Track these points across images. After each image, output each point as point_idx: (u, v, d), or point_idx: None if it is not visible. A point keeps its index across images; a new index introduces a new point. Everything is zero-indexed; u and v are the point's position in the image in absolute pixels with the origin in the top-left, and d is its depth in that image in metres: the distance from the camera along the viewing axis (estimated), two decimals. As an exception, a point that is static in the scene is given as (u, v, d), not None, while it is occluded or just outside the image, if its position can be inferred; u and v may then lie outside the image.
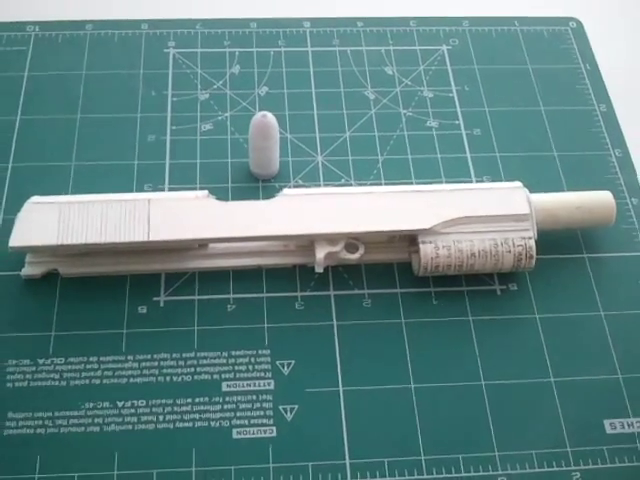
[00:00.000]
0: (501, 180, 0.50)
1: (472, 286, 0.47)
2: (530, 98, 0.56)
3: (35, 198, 0.45)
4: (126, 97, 0.53)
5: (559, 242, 0.48)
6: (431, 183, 0.49)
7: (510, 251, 0.45)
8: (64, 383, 0.42)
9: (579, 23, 0.60)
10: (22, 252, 0.45)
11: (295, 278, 0.46)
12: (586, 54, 0.58)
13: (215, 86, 0.54)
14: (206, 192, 0.46)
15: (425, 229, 0.44)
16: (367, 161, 0.51)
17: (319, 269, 0.45)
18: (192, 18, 0.58)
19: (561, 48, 0.59)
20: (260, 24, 0.58)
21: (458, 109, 0.54)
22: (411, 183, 0.50)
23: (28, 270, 0.45)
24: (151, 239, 0.43)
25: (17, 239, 0.43)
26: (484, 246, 0.44)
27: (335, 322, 0.45)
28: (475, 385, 0.43)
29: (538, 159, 0.52)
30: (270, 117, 0.46)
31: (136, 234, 0.43)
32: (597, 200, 0.48)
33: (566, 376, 0.44)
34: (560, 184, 0.51)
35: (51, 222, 0.44)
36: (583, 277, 0.48)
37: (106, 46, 0.56)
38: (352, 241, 0.45)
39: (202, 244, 0.46)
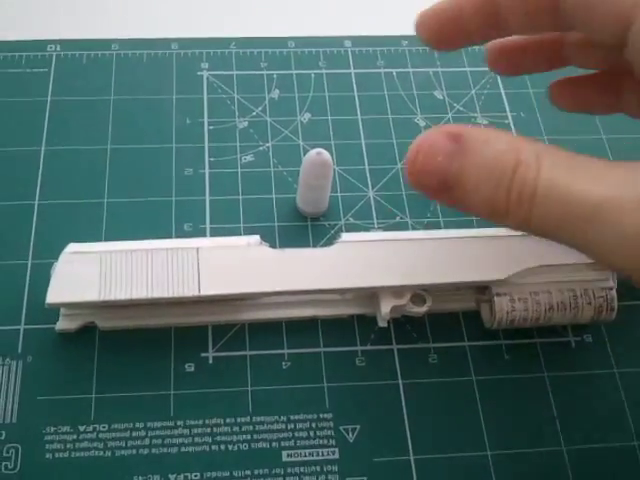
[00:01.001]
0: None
1: (544, 338, 0.44)
2: (590, 125, 0.52)
3: (72, 246, 0.41)
4: (159, 125, 0.50)
5: (633, 288, 0.44)
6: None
7: (590, 303, 0.42)
8: (109, 453, 0.39)
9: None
10: (59, 307, 0.41)
11: (354, 330, 0.43)
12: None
13: (254, 113, 0.51)
14: (258, 237, 0.42)
15: (500, 280, 0.41)
16: (422, 197, 0.47)
17: (383, 323, 0.41)
18: (225, 37, 0.54)
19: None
20: (298, 43, 0.54)
21: (515, 137, 0.51)
22: (471, 222, 0.47)
23: (63, 324, 0.42)
24: (202, 294, 0.40)
25: (55, 295, 0.40)
26: (562, 298, 0.41)
27: (400, 380, 0.42)
28: (557, 451, 0.40)
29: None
30: (326, 155, 0.43)
31: (186, 288, 0.40)
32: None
33: (652, 438, 0.41)
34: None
35: (91, 275, 0.40)
36: (661, 325, 0.44)
37: (134, 68, 0.52)
38: (419, 292, 0.42)
39: (253, 296, 0.42)
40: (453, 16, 0.35)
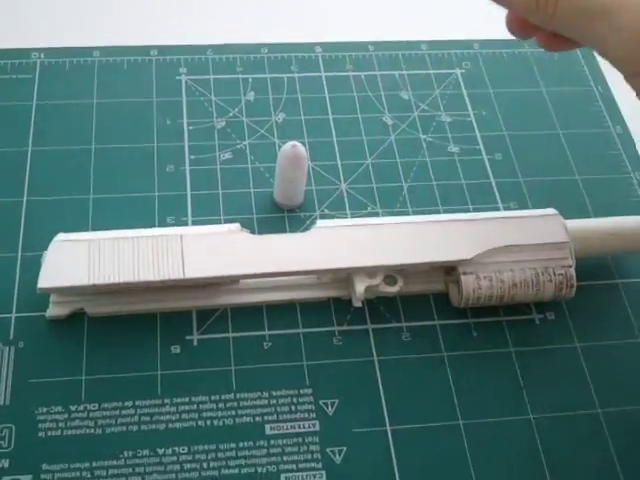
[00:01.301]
0: (527, 206, 0.50)
1: (510, 316, 0.46)
2: (547, 121, 0.55)
3: (61, 235, 0.43)
4: (141, 126, 0.52)
5: (590, 269, 0.47)
6: (459, 211, 0.48)
7: (551, 280, 0.44)
8: (100, 431, 0.41)
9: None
10: (50, 293, 0.43)
11: (330, 312, 0.45)
12: (597, 76, 0.58)
13: (231, 114, 0.53)
14: (238, 225, 0.44)
15: (466, 259, 0.43)
16: (392, 188, 0.50)
17: (357, 303, 0.43)
18: (202, 44, 0.56)
19: (573, 70, 0.58)
20: (271, 49, 0.57)
21: (477, 134, 0.54)
22: (438, 210, 0.49)
23: (53, 311, 0.43)
24: (187, 276, 0.42)
25: (46, 280, 0.42)
26: (525, 276, 0.44)
27: (376, 357, 0.44)
28: (524, 420, 0.43)
29: (561, 183, 0.52)
30: (300, 147, 0.45)
31: (171, 272, 0.42)
32: (630, 226, 0.47)
33: (614, 406, 0.43)
34: (586, 208, 0.50)
35: (81, 261, 0.42)
36: (617, 303, 0.47)
37: (116, 73, 0.54)
38: (391, 273, 0.44)
39: (234, 279, 0.44)
40: None
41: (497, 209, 0.50)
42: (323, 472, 0.40)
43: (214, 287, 0.45)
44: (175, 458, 0.40)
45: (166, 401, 0.42)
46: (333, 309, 0.45)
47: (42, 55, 0.55)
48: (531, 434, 0.42)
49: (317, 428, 0.42)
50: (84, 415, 0.41)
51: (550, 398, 0.44)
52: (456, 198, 0.50)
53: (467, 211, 0.48)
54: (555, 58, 0.59)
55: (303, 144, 0.48)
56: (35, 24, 0.56)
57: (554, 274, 0.44)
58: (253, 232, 0.46)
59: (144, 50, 0.55)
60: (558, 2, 0.34)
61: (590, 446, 0.42)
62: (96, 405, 0.41)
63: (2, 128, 0.51)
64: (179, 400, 0.42)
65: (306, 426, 0.42)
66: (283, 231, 0.48)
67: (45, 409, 0.41)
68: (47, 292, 0.42)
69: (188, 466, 0.40)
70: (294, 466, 0.40)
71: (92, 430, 0.41)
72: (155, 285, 0.43)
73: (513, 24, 0.40)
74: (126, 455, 0.40)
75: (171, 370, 0.43)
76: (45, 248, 0.43)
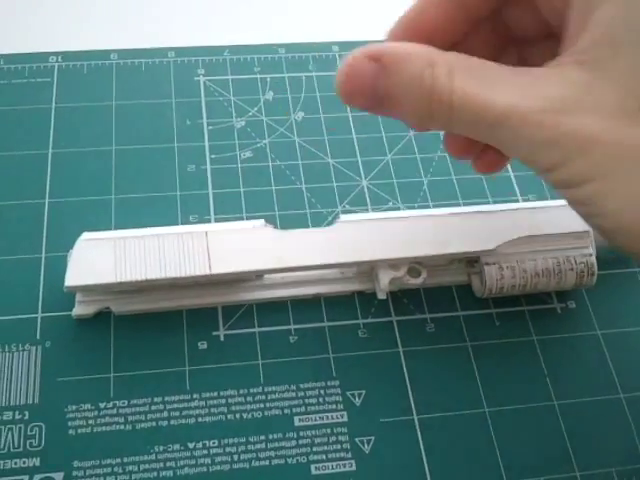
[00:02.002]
0: (546, 198, 0.50)
1: (532, 305, 0.46)
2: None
3: (86, 234, 0.43)
4: (161, 127, 0.52)
5: (610, 257, 0.47)
6: (479, 204, 0.48)
7: (573, 269, 0.44)
8: (130, 427, 0.41)
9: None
10: (76, 291, 0.43)
11: (355, 305, 0.46)
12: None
13: (250, 113, 0.53)
14: (262, 221, 0.44)
15: (488, 250, 0.44)
16: (412, 183, 0.51)
17: (382, 295, 0.44)
18: (219, 45, 0.56)
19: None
20: (289, 49, 0.57)
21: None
22: (459, 204, 0.49)
23: (79, 310, 0.44)
24: (213, 272, 0.42)
25: (73, 278, 0.42)
26: (547, 265, 0.44)
27: (401, 348, 0.44)
28: (549, 405, 0.43)
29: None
30: None
31: (197, 268, 0.42)
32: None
33: (635, 392, 0.44)
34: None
35: (107, 259, 0.42)
36: (637, 291, 0.48)
37: (134, 75, 0.54)
38: (414, 265, 0.44)
39: (259, 274, 0.44)
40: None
41: (516, 202, 0.50)
42: (353, 461, 0.41)
43: (239, 283, 0.45)
44: (206, 452, 0.40)
45: (195, 396, 0.42)
46: (357, 302, 0.46)
47: (60, 58, 0.55)
48: (555, 420, 0.43)
49: (345, 419, 0.42)
50: (114, 412, 0.41)
51: (573, 385, 0.44)
52: (476, 192, 0.51)
53: (487, 204, 0.48)
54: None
55: (323, 142, 0.50)
56: (52, 28, 0.57)
57: (575, 263, 0.44)
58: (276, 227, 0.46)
59: (162, 52, 0.56)
60: (451, 114, 0.32)
61: (614, 430, 0.43)
62: (125, 402, 0.42)
63: (22, 131, 0.51)
64: (208, 395, 0.42)
65: (334, 417, 0.42)
66: (306, 227, 0.48)
67: (74, 407, 0.41)
68: (74, 291, 0.43)
69: (219, 459, 0.40)
70: (324, 456, 0.41)
71: (122, 426, 0.41)
72: (181, 282, 0.43)
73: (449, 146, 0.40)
74: (157, 450, 0.40)
75: (199, 365, 0.43)
76: (69, 248, 0.43)
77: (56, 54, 0.55)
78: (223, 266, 0.42)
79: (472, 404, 0.42)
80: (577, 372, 0.44)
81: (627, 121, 0.30)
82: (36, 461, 0.39)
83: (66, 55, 0.55)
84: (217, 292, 0.45)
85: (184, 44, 0.56)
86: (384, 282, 0.43)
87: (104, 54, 0.55)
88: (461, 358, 0.44)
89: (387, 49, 0.33)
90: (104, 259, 0.42)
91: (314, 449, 0.41)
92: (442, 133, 0.41)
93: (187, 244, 0.43)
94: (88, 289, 0.43)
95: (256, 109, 0.54)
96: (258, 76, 0.55)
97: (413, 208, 0.49)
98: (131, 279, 0.42)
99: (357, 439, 0.41)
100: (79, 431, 0.41)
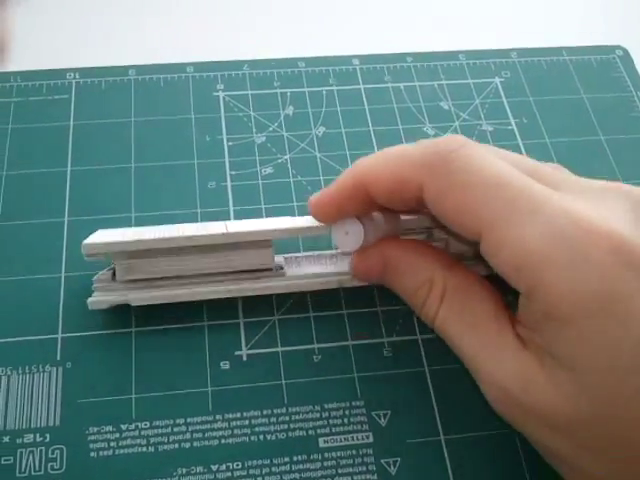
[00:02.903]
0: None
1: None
2: (589, 128, 0.55)
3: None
4: (180, 143, 0.51)
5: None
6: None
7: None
8: (152, 449, 0.40)
9: (625, 51, 0.59)
10: (95, 253, 0.42)
11: (379, 323, 0.45)
12: (636, 81, 0.58)
13: (271, 128, 0.53)
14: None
15: None
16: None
17: None
18: (238, 59, 0.56)
19: (611, 77, 0.58)
20: (309, 63, 0.56)
21: (520, 142, 0.53)
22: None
23: (96, 299, 0.44)
24: (230, 231, 0.42)
25: (92, 239, 0.42)
26: None
27: (427, 367, 0.43)
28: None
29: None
30: None
31: (214, 229, 0.42)
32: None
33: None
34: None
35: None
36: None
37: (152, 91, 0.54)
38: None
39: (279, 267, 0.44)
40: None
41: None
42: (379, 484, 0.39)
43: (258, 273, 0.44)
44: (230, 474, 0.40)
45: (217, 417, 0.41)
46: (382, 320, 0.45)
47: (77, 75, 0.54)
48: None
49: (371, 440, 0.41)
50: (136, 434, 0.40)
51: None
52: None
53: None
54: (594, 65, 0.59)
55: (344, 157, 0.49)
56: (69, 44, 0.56)
57: None
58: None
59: (180, 67, 0.55)
60: (434, 328, 0.39)
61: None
62: (147, 423, 0.41)
63: (40, 149, 0.51)
64: (231, 416, 0.41)
65: (359, 438, 0.41)
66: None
67: (96, 429, 0.41)
68: (92, 251, 0.42)
69: (242, 482, 0.39)
70: (349, 478, 0.40)
71: (144, 448, 0.40)
72: (198, 241, 0.42)
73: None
74: (180, 472, 0.39)
75: (221, 386, 0.42)
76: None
77: (73, 70, 0.55)
78: (239, 227, 0.42)
79: (500, 424, 0.41)
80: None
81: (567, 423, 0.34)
82: (57, 484, 0.38)
83: (83, 71, 0.55)
84: (237, 278, 0.44)
85: (203, 59, 0.56)
86: None
87: (122, 70, 0.55)
88: (488, 377, 0.43)
89: (394, 253, 0.41)
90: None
91: (339, 471, 0.40)
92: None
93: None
94: (107, 248, 0.42)
95: (276, 124, 0.53)
96: (278, 91, 0.55)
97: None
98: (149, 237, 0.42)
99: (383, 460, 0.41)
100: (100, 454, 0.40)
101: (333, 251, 0.45)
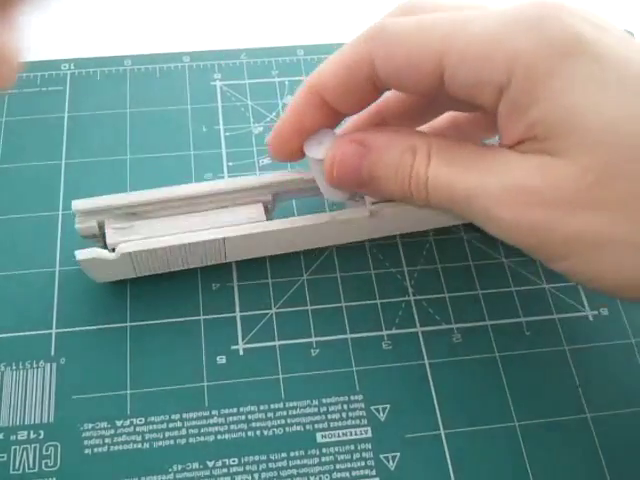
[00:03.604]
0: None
1: (563, 313, 0.45)
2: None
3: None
4: (176, 135, 0.51)
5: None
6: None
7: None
8: (147, 445, 0.40)
9: (631, 35, 0.58)
10: (89, 232, 0.42)
11: (379, 316, 0.44)
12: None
13: (268, 118, 0.52)
14: None
15: None
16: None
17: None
18: (235, 48, 0.55)
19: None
20: (307, 51, 0.56)
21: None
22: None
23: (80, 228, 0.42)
24: (228, 187, 0.42)
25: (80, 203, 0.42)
26: None
27: (426, 360, 0.43)
28: (581, 418, 0.41)
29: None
30: None
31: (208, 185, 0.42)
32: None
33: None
34: None
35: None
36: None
37: (148, 81, 0.53)
38: None
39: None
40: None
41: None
42: (377, 479, 0.39)
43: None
44: (225, 470, 0.39)
45: (214, 412, 0.41)
46: (381, 312, 0.44)
47: (72, 66, 0.54)
48: (589, 433, 0.41)
49: (369, 434, 0.41)
50: (130, 430, 0.40)
51: (607, 396, 0.42)
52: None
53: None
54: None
55: None
56: (63, 34, 0.55)
57: None
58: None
59: (176, 57, 0.55)
60: (428, 194, 0.36)
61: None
62: (142, 419, 0.40)
63: (34, 142, 0.50)
64: (227, 411, 0.41)
65: (358, 433, 0.41)
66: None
67: (90, 425, 0.40)
68: (82, 215, 0.42)
69: (239, 478, 0.39)
70: (347, 474, 0.39)
71: (139, 445, 0.40)
72: (194, 200, 0.42)
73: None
74: (175, 469, 0.39)
75: (218, 381, 0.42)
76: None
77: (68, 61, 0.54)
78: (229, 183, 0.42)
79: (501, 417, 0.41)
80: (611, 383, 0.43)
81: (583, 201, 0.32)
82: (52, 482, 0.38)
83: (78, 62, 0.54)
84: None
85: (199, 48, 0.55)
86: None
87: (118, 60, 0.54)
88: (489, 369, 0.43)
89: (369, 134, 0.37)
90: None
91: (337, 466, 0.39)
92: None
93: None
94: (95, 204, 0.42)
95: (274, 114, 0.52)
96: (276, 79, 0.54)
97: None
98: (140, 199, 0.42)
99: (382, 455, 0.40)
100: (95, 450, 0.39)
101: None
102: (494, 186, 0.34)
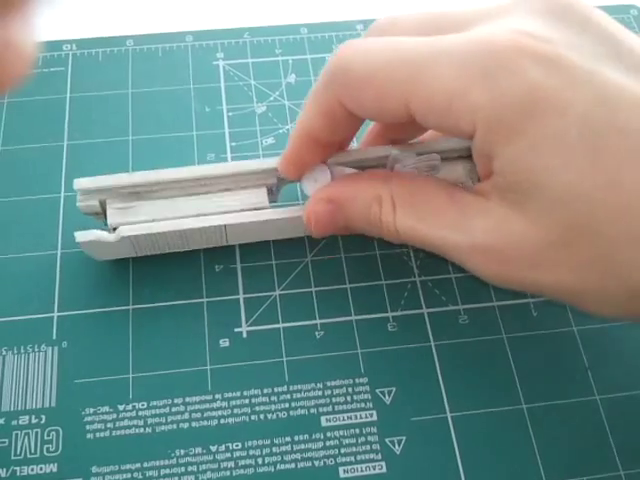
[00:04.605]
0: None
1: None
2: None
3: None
4: (179, 115, 0.50)
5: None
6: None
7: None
8: (149, 430, 0.39)
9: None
10: (90, 210, 0.42)
11: (384, 297, 0.44)
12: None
13: (272, 97, 0.51)
14: None
15: None
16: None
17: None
18: (239, 27, 0.54)
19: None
20: (311, 29, 0.55)
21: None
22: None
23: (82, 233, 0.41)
24: (228, 171, 0.41)
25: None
26: None
27: (433, 342, 0.42)
28: (591, 400, 0.41)
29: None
30: None
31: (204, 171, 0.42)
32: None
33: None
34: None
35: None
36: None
37: (150, 61, 0.52)
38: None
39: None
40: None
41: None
42: (383, 463, 0.39)
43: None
44: (229, 455, 0.39)
45: (217, 396, 0.40)
46: (386, 294, 0.43)
47: (74, 46, 0.53)
48: (598, 416, 0.40)
49: (375, 418, 0.40)
50: (133, 414, 0.40)
51: (617, 377, 0.42)
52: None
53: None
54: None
55: None
56: (64, 15, 0.55)
57: None
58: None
59: (179, 36, 0.54)
60: (400, 238, 0.38)
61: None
62: (145, 403, 0.40)
63: (36, 124, 0.49)
64: (230, 395, 0.40)
65: (363, 416, 0.40)
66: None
67: (92, 410, 0.40)
68: (83, 187, 0.41)
69: (242, 462, 0.38)
70: (352, 458, 0.39)
71: (142, 429, 0.39)
72: (198, 182, 0.41)
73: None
74: (178, 454, 0.39)
75: (221, 364, 0.41)
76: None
77: (70, 42, 0.53)
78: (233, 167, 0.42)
79: (509, 400, 0.40)
80: (620, 364, 0.42)
81: (547, 261, 0.33)
82: (53, 467, 0.38)
83: (80, 42, 0.53)
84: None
85: (202, 27, 0.54)
86: None
87: (120, 40, 0.53)
88: (497, 351, 0.42)
89: (336, 191, 0.39)
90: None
91: (342, 451, 0.39)
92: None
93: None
94: (97, 184, 0.41)
95: (278, 93, 0.51)
96: (280, 58, 0.53)
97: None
98: (144, 180, 0.41)
99: (387, 439, 0.39)
100: (97, 435, 0.39)
101: None
102: (462, 243, 0.35)
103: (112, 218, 0.41)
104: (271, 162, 0.41)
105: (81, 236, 0.40)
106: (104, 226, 0.41)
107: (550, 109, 0.31)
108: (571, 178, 0.31)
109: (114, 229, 0.40)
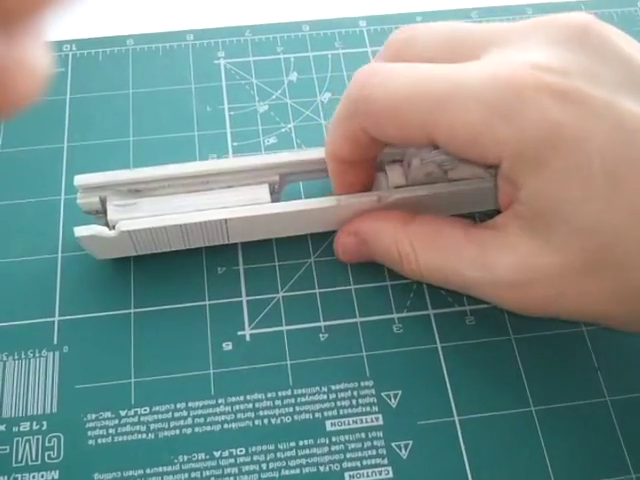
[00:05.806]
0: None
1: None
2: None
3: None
4: (180, 115, 0.49)
5: None
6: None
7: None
8: (152, 435, 0.39)
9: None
10: (89, 195, 0.41)
11: (389, 298, 0.43)
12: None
13: (274, 96, 0.51)
14: None
15: None
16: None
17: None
18: (239, 25, 0.54)
19: (633, 30, 0.55)
20: (313, 26, 0.54)
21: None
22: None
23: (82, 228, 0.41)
24: (230, 165, 0.41)
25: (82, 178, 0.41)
26: None
27: (439, 344, 0.41)
28: (600, 402, 0.40)
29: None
30: None
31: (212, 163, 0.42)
32: None
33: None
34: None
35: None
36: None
37: (151, 61, 0.52)
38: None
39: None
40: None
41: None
42: (389, 468, 0.38)
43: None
44: (232, 460, 0.38)
45: (220, 401, 0.40)
46: (392, 295, 0.43)
47: (74, 47, 0.53)
48: (608, 417, 0.40)
49: (380, 422, 0.39)
50: (135, 420, 0.39)
51: (628, 378, 0.41)
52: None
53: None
54: (614, 19, 0.56)
55: None
56: (65, 15, 0.54)
57: None
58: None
59: (179, 35, 0.53)
60: (423, 279, 0.40)
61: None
62: (147, 409, 0.39)
63: (36, 125, 0.49)
64: (234, 399, 0.40)
65: (369, 420, 0.39)
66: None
67: (94, 415, 0.39)
68: (84, 191, 0.41)
69: (246, 468, 0.38)
70: (358, 463, 0.38)
71: (144, 435, 0.39)
72: (199, 179, 0.41)
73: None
74: (181, 460, 0.38)
75: (224, 368, 0.41)
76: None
77: (70, 42, 0.53)
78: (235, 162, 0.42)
79: (517, 402, 0.40)
80: (630, 365, 0.41)
81: (572, 287, 0.34)
82: (55, 474, 0.38)
83: (80, 43, 0.53)
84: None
85: (202, 26, 0.54)
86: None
87: (120, 40, 0.53)
88: (504, 353, 0.41)
89: (363, 227, 0.41)
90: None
91: (348, 455, 0.38)
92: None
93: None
94: (97, 180, 0.41)
95: (280, 91, 0.51)
96: (281, 56, 0.53)
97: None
98: (143, 175, 0.41)
99: (394, 444, 0.39)
100: (99, 441, 0.38)
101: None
102: (484, 280, 0.36)
103: (112, 215, 0.40)
104: (273, 158, 0.41)
105: (80, 231, 0.40)
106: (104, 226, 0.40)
107: (570, 142, 0.32)
108: (594, 208, 0.32)
109: (114, 227, 0.40)
